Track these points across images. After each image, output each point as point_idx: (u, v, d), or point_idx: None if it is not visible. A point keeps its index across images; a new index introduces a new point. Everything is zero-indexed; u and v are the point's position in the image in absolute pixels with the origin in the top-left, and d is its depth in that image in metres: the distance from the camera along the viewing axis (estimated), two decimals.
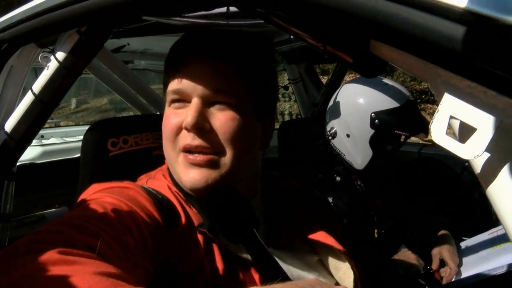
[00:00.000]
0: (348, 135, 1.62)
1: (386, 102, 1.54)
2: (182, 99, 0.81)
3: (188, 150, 0.79)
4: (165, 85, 0.85)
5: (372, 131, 1.55)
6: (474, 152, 0.43)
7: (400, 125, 1.53)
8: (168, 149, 0.83)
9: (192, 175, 0.78)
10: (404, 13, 0.44)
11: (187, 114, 0.77)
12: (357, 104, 1.59)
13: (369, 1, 0.46)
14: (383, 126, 1.53)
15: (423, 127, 1.59)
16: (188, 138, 0.78)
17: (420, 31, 0.42)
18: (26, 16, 1.01)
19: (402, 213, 1.77)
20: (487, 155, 0.45)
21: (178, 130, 0.80)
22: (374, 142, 1.56)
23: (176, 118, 0.80)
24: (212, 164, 0.78)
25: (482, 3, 0.40)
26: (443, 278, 1.51)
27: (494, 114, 0.42)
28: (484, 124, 0.43)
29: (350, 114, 1.61)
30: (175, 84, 0.80)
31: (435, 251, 1.56)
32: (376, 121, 1.53)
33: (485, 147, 0.43)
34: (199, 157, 0.78)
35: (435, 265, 1.54)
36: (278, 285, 0.55)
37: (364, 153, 1.59)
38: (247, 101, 0.82)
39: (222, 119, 0.78)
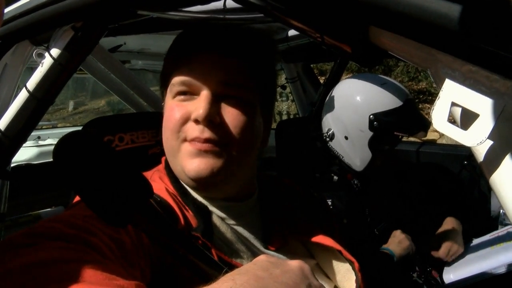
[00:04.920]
0: (346, 138, 1.60)
1: (384, 103, 1.52)
2: (190, 91, 0.79)
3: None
4: (167, 76, 0.84)
5: (371, 133, 1.52)
6: (477, 139, 0.42)
7: (399, 126, 1.51)
8: (170, 141, 0.80)
9: (196, 163, 0.76)
10: None
11: (198, 106, 0.76)
12: (355, 105, 1.56)
13: None
14: (382, 128, 1.50)
15: (422, 126, 1.57)
16: (197, 131, 0.76)
17: (416, 11, 0.41)
18: (19, 12, 1.00)
19: (397, 213, 1.76)
20: (490, 142, 0.44)
21: (184, 122, 0.78)
22: (373, 143, 1.54)
23: (182, 109, 0.79)
24: (218, 154, 0.77)
25: None
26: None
27: (497, 99, 0.41)
28: (486, 109, 0.42)
29: (347, 116, 1.58)
30: (183, 76, 0.79)
31: (435, 249, 1.57)
32: (375, 123, 1.50)
33: (488, 134, 0.42)
34: (205, 145, 0.76)
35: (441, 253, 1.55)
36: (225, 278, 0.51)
37: (363, 155, 1.57)
38: (255, 95, 0.82)
39: (233, 113, 0.78)
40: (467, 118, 0.44)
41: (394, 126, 1.50)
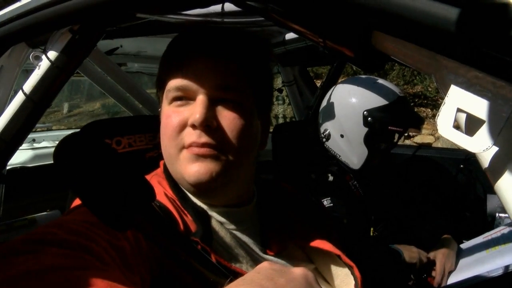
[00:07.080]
0: (342, 136, 1.62)
1: (377, 100, 1.56)
2: (185, 96, 0.79)
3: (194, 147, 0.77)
4: (163, 82, 0.83)
5: (365, 129, 1.56)
6: (482, 145, 0.42)
7: (393, 121, 1.54)
8: (169, 149, 0.80)
9: (196, 169, 0.76)
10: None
11: (194, 111, 0.75)
12: (349, 104, 1.60)
13: None
14: (376, 123, 1.54)
15: (416, 122, 1.62)
16: (194, 136, 0.75)
17: (422, 16, 0.40)
18: (16, 14, 0.99)
19: (395, 215, 1.77)
20: (495, 148, 0.44)
21: (181, 128, 0.77)
22: (368, 140, 1.57)
23: (179, 116, 0.78)
24: (216, 158, 0.76)
25: None
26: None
27: (503, 105, 0.41)
28: (492, 116, 0.41)
29: (343, 115, 1.62)
30: (178, 81, 0.78)
31: (431, 254, 1.56)
32: (369, 118, 1.54)
33: (494, 140, 0.41)
34: (203, 149, 0.76)
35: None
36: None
37: (359, 152, 1.60)
38: (250, 98, 0.81)
39: (229, 117, 0.77)
40: (473, 124, 0.44)
41: (387, 121, 1.54)
